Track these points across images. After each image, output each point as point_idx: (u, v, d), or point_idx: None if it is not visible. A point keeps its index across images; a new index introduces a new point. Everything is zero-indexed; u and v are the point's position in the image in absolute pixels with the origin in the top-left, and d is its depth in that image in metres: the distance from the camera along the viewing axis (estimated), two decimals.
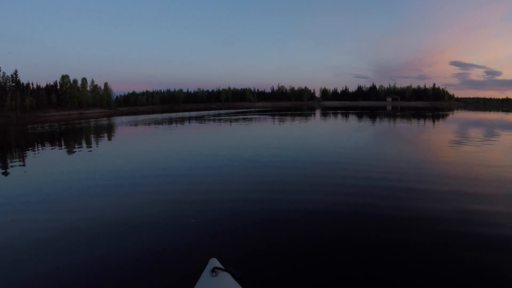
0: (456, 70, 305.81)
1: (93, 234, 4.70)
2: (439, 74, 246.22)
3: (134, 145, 15.38)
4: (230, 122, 30.09)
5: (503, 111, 55.41)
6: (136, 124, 30.72)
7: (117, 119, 42.65)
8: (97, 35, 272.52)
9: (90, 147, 15.19)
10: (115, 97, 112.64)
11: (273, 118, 34.33)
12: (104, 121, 38.79)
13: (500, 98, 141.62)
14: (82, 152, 13.41)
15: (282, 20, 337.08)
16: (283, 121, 29.35)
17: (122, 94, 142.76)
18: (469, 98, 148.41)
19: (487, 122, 28.11)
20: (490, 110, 59.52)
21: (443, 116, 36.93)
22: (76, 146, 15.51)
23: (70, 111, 79.65)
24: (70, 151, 13.75)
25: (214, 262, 2.29)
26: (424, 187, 6.79)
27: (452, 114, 43.78)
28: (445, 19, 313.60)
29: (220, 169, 8.85)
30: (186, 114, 51.75)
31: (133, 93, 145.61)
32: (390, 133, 18.61)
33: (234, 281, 2.14)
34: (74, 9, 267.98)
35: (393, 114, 43.29)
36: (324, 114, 43.12)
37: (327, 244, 4.23)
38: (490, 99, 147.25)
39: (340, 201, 5.95)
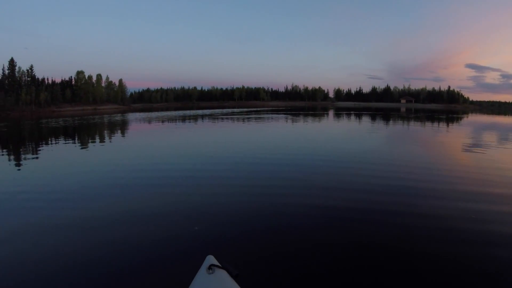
0: (472, 72, 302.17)
1: (93, 228, 4.76)
2: (454, 76, 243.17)
3: (145, 143, 15.46)
4: (243, 120, 30.16)
5: None
6: (149, 121, 30.86)
7: (131, 115, 43.08)
8: (113, 32, 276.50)
9: (103, 142, 15.42)
10: (129, 93, 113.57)
11: (286, 118, 34.25)
12: (117, 117, 39.21)
13: None
14: (91, 148, 13.58)
15: (296, 19, 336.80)
16: (295, 121, 29.30)
17: (137, 91, 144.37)
18: (483, 102, 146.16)
19: (502, 126, 27.68)
20: (505, 114, 58.70)
21: (458, 119, 36.41)
22: (88, 141, 15.75)
23: (84, 106, 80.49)
24: (81, 146, 13.95)
25: (211, 259, 2.28)
26: (438, 190, 6.73)
27: (467, 117, 43.17)
28: (461, 21, 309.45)
29: (227, 167, 8.89)
30: (200, 111, 51.78)
31: (148, 90, 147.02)
32: (403, 135, 18.46)
33: (231, 278, 2.14)
34: (91, 5, 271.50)
35: (407, 116, 42.90)
36: (338, 115, 42.91)
37: (328, 247, 4.17)
38: (505, 102, 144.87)
39: (345, 203, 5.88)
